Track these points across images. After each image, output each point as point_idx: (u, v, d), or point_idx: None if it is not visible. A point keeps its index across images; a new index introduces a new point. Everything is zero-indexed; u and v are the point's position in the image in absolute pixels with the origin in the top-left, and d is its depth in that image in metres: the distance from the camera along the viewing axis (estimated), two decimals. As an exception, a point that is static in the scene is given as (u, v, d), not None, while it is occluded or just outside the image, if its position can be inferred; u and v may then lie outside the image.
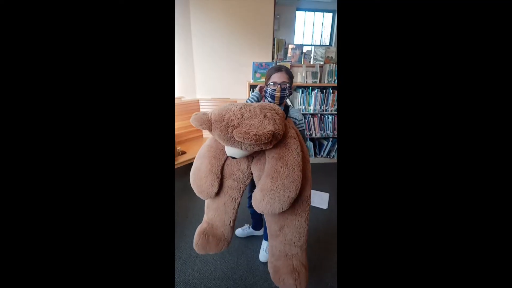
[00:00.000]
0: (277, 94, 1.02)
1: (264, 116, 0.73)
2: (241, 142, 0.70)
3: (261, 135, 0.67)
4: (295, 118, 1.08)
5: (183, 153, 2.11)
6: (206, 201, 0.96)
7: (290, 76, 1.06)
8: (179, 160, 1.99)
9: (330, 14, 5.88)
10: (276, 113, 0.79)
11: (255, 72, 2.35)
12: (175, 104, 2.31)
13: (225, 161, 0.88)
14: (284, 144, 0.80)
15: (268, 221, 0.89)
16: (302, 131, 1.06)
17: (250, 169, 0.88)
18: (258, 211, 0.79)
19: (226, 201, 0.91)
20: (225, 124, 0.71)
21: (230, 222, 0.92)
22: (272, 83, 1.04)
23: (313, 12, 5.89)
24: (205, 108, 2.58)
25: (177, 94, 2.51)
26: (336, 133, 2.56)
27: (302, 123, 1.10)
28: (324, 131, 2.55)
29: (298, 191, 0.78)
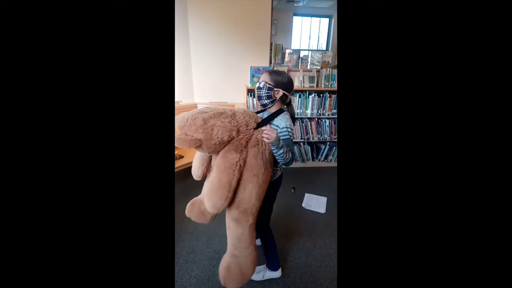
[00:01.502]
0: (257, 93, 1.04)
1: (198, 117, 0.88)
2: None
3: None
4: (277, 126, 1.01)
5: (181, 157, 2.10)
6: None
7: (273, 78, 1.01)
8: (177, 164, 1.98)
9: (327, 20, 5.95)
10: (233, 115, 0.92)
11: (252, 76, 2.36)
12: (173, 108, 2.30)
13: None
14: (222, 152, 0.90)
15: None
16: (285, 140, 0.98)
17: None
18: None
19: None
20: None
21: None
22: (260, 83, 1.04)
23: (310, 18, 5.97)
24: (203, 112, 2.58)
25: (175, 98, 2.51)
26: (333, 137, 2.57)
27: (285, 130, 0.99)
28: (321, 135, 2.56)
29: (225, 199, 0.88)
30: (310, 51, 2.87)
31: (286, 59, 2.70)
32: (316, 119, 2.52)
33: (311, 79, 2.43)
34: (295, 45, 6.05)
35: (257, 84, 1.04)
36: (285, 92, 1.04)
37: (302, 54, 2.70)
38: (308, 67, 2.60)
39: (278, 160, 0.95)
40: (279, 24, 5.52)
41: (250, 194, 0.92)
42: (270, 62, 2.64)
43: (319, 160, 2.70)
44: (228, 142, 0.89)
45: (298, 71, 2.46)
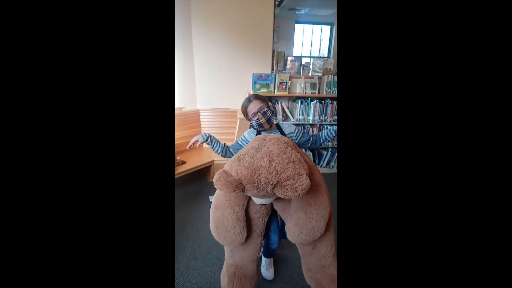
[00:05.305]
0: (263, 120, 1.10)
1: (293, 162, 0.73)
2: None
3: (305, 188, 0.69)
4: (288, 133, 1.17)
5: (183, 163, 2.11)
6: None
7: (262, 99, 1.13)
8: (179, 170, 1.99)
9: (328, 27, 6.02)
10: (292, 148, 0.80)
11: (254, 83, 2.38)
12: (176, 114, 2.33)
13: (247, 204, 0.92)
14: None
15: (300, 244, 0.95)
16: (298, 144, 1.16)
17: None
18: (297, 242, 0.89)
19: (254, 238, 0.96)
20: (263, 184, 0.71)
21: (257, 256, 1.00)
22: (252, 115, 1.12)
23: (311, 25, 6.04)
24: (205, 118, 2.61)
25: (178, 104, 2.54)
26: (335, 143, 2.57)
27: (293, 135, 1.18)
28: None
29: (329, 212, 0.85)
30: (311, 58, 2.89)
31: (287, 66, 2.72)
32: (318, 125, 2.53)
33: (313, 85, 2.45)
34: (296, 52, 6.11)
35: (254, 116, 1.11)
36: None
37: (303, 61, 2.73)
38: (310, 74, 2.63)
39: None
40: (281, 31, 5.59)
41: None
42: (272, 69, 2.67)
43: (321, 166, 2.70)
44: None
45: (300, 77, 2.48)
